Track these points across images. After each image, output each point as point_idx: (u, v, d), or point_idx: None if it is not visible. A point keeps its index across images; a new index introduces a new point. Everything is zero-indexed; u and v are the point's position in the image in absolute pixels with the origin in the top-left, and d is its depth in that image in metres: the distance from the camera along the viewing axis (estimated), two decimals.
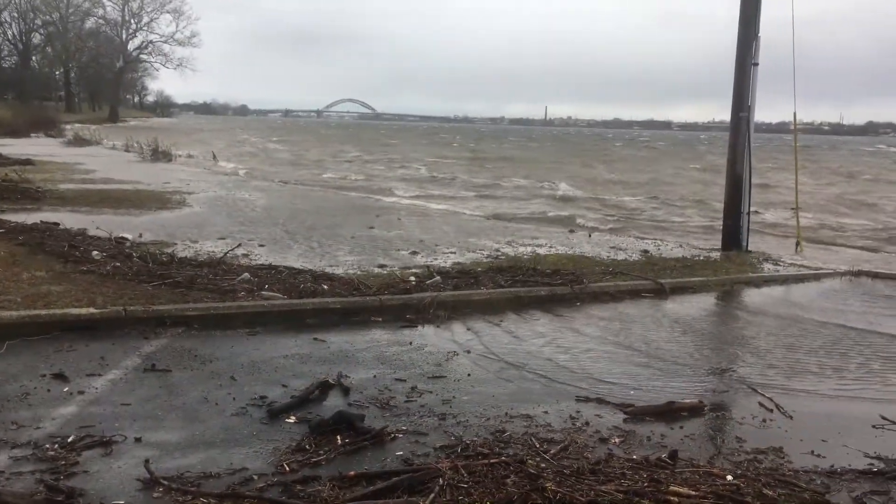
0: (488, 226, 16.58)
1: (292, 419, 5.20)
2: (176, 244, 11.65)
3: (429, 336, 7.54)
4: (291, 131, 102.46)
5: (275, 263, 10.14)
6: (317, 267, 10.20)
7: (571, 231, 16.16)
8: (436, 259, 11.44)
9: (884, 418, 5.56)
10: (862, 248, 16.58)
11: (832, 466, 4.66)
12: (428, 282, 9.21)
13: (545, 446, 4.77)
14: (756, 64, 12.32)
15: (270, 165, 38.48)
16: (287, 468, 4.40)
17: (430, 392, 5.87)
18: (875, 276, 11.57)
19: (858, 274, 11.63)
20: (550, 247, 13.10)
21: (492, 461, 4.36)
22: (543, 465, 4.40)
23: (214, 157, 38.91)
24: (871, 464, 4.74)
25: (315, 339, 7.23)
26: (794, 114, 13.19)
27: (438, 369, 6.45)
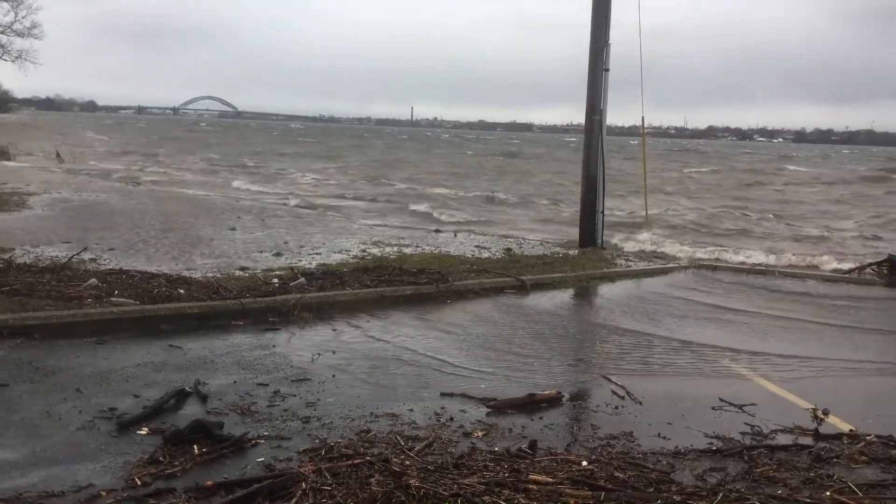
0: (355, 227, 16.49)
1: (145, 430, 4.94)
2: (14, 249, 10.78)
3: (293, 338, 7.39)
4: (145, 131, 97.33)
5: (126, 268, 9.59)
6: (172, 271, 9.75)
7: (437, 231, 16.35)
8: (301, 260, 11.24)
9: (722, 400, 5.99)
10: (707, 243, 17.79)
11: (677, 447, 4.97)
12: (292, 283, 9.03)
13: (410, 443, 4.80)
14: (607, 70, 12.96)
15: (119, 164, 36.36)
16: (139, 482, 4.17)
17: (294, 395, 5.75)
18: (714, 268, 12.48)
19: (700, 266, 12.49)
20: (417, 246, 13.20)
21: (356, 462, 4.32)
22: (408, 462, 4.41)
23: (59, 156, 36.31)
24: (711, 443, 5.10)
25: (171, 345, 6.90)
26: (643, 118, 13.98)
27: (303, 372, 6.33)
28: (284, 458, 4.58)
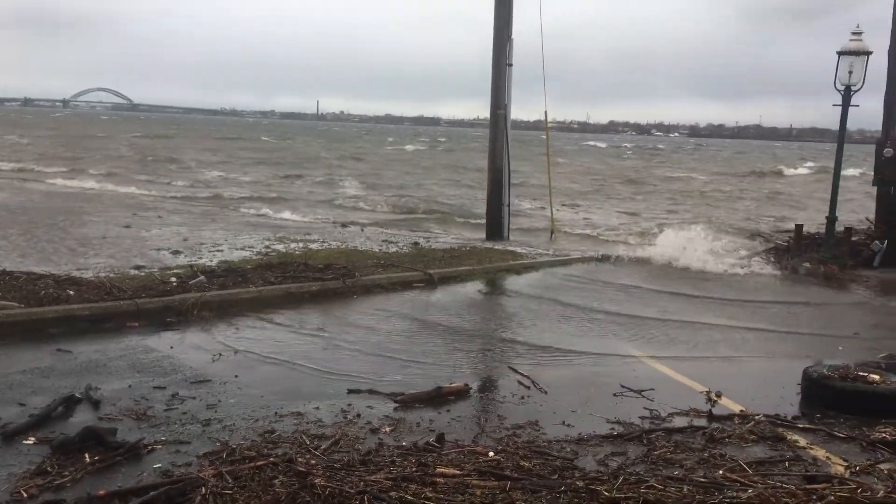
0: (261, 222, 16.10)
1: (31, 440, 4.65)
2: None
3: (192, 339, 7.14)
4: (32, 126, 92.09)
5: (9, 269, 9.01)
6: (61, 271, 9.24)
7: (344, 225, 16.17)
8: (201, 258, 10.87)
9: (623, 386, 6.18)
10: (608, 238, 18.32)
11: (580, 434, 5.08)
12: (191, 282, 8.72)
13: (316, 442, 4.71)
14: (510, 65, 13.13)
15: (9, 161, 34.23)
16: (24, 494, 3.93)
17: (194, 398, 5.55)
18: (615, 259, 12.86)
19: (602, 259, 12.84)
20: (323, 242, 13.00)
21: (259, 463, 4.21)
22: (314, 461, 4.33)
23: None
24: (612, 428, 5.24)
25: (59, 349, 6.54)
26: (546, 112, 14.26)
27: (203, 373, 6.12)
28: (183, 463, 4.41)
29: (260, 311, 8.19)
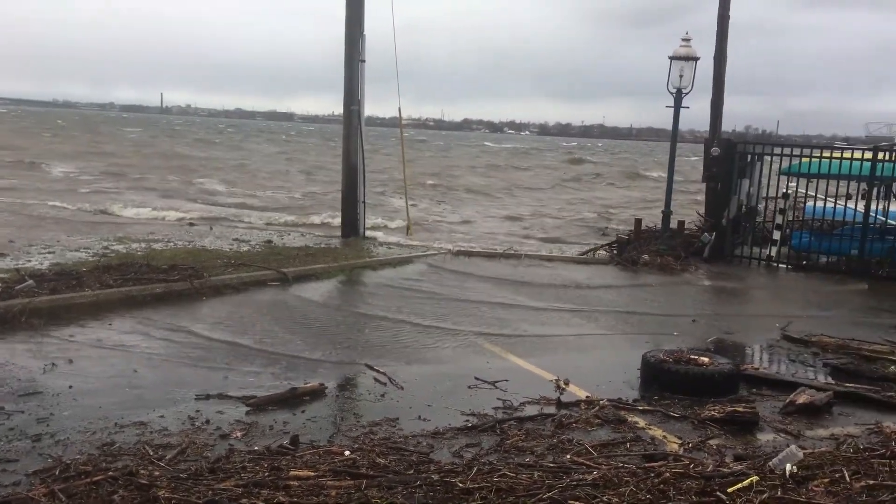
0: (99, 220, 15.09)
1: None
2: None
3: (19, 348, 6.57)
4: None
5: None
6: None
7: (192, 224, 15.48)
8: (30, 260, 10.03)
9: (477, 378, 6.30)
10: (466, 233, 18.72)
11: (436, 428, 5.14)
12: (18, 287, 8.02)
13: (160, 452, 4.46)
14: (363, 60, 13.05)
15: None
16: None
17: (22, 412, 5.11)
18: (469, 254, 13.13)
19: (458, 253, 13.07)
20: (168, 241, 12.37)
21: (97, 479, 3.93)
22: (158, 472, 4.10)
23: None
24: (468, 420, 5.33)
25: None
26: (399, 109, 14.29)
27: (32, 385, 5.64)
28: (11, 482, 4.04)
29: (98, 316, 7.67)
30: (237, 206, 22.41)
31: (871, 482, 4.19)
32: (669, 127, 13.35)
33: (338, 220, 14.61)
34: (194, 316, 8.02)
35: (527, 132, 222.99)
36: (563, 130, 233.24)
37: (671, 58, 12.65)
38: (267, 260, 10.86)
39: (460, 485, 3.98)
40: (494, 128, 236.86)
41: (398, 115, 14.40)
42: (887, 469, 4.39)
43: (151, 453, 4.43)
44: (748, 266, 12.90)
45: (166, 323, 7.66)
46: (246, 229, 15.00)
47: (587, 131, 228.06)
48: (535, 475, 4.19)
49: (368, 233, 14.20)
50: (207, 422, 5.09)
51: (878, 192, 13.14)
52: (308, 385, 5.84)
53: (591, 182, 42.97)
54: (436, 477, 4.10)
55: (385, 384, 6.09)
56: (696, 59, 12.65)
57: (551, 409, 5.67)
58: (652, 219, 15.25)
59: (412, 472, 4.23)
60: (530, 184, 38.32)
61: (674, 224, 13.73)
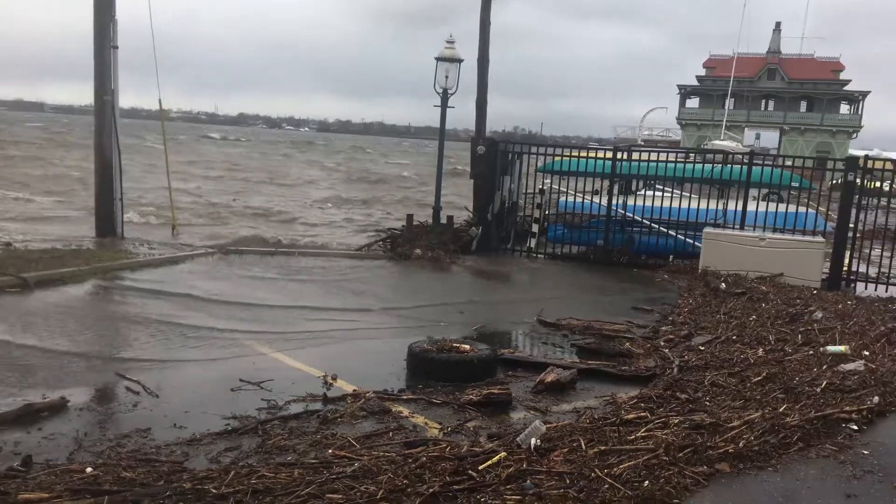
0: None
1: None
2: None
3: None
4: None
5: None
6: None
7: None
8: None
9: (242, 380, 6.10)
10: (235, 226, 18.03)
11: (193, 435, 4.90)
12: None
13: None
14: (116, 47, 12.09)
15: None
16: None
17: None
18: (241, 251, 12.70)
19: (227, 252, 12.58)
20: None
21: None
22: None
23: None
24: (228, 424, 5.15)
25: None
26: (160, 101, 13.46)
27: None
28: None
29: None
30: None
31: (603, 448, 4.65)
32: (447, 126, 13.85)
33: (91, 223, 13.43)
34: None
35: (306, 128, 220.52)
36: (343, 127, 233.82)
37: (437, 59, 13.12)
38: (4, 264, 9.71)
39: (214, 491, 3.83)
40: (272, 123, 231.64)
41: (159, 106, 13.56)
42: (616, 435, 4.89)
43: None
44: (511, 257, 13.75)
45: None
46: None
47: (367, 128, 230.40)
48: (296, 473, 4.15)
49: (130, 232, 13.22)
50: None
51: (620, 188, 14.62)
52: (46, 400, 5.31)
53: (374, 182, 43.49)
54: (188, 485, 3.90)
55: (138, 393, 5.70)
56: (460, 60, 13.23)
57: (317, 406, 5.64)
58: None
59: (162, 483, 3.99)
60: (309, 177, 37.94)
61: (450, 220, 14.28)
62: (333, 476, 4.10)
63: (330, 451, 4.62)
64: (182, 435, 4.90)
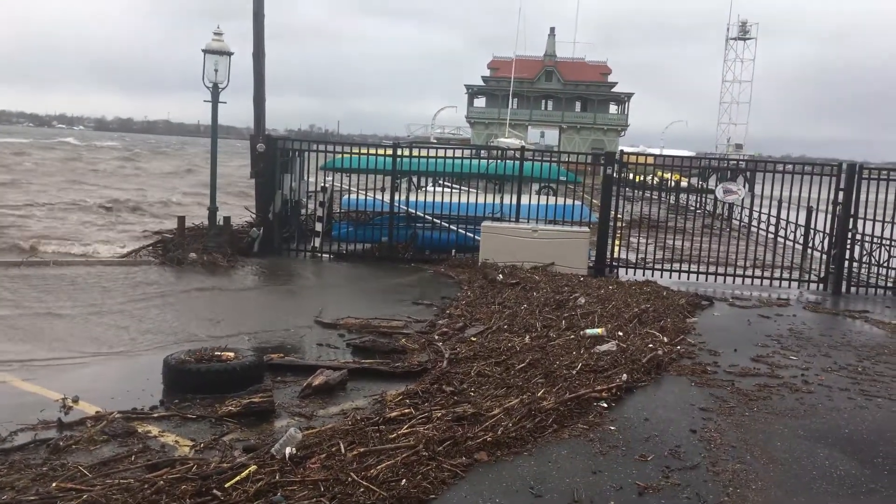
0: None
1: None
2: None
3: None
4: None
5: None
6: None
7: None
8: None
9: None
10: None
11: None
12: None
13: None
14: None
15: None
16: None
17: None
18: None
19: None
20: None
21: None
22: None
23: None
24: None
25: None
26: None
27: None
28: None
29: None
30: None
31: (363, 449, 4.52)
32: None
33: None
34: None
35: (81, 127, 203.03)
36: (124, 125, 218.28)
37: (204, 51, 12.39)
38: None
39: None
40: (41, 121, 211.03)
41: None
42: (378, 435, 4.78)
43: None
44: (295, 258, 13.34)
45: None
46: None
47: (151, 127, 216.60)
48: None
49: None
50: None
51: (406, 185, 14.73)
52: None
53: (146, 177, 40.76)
54: None
55: None
56: (230, 53, 12.58)
57: (50, 433, 5.01)
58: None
59: None
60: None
61: (227, 221, 13.55)
62: None
63: (54, 484, 4.07)
64: None
